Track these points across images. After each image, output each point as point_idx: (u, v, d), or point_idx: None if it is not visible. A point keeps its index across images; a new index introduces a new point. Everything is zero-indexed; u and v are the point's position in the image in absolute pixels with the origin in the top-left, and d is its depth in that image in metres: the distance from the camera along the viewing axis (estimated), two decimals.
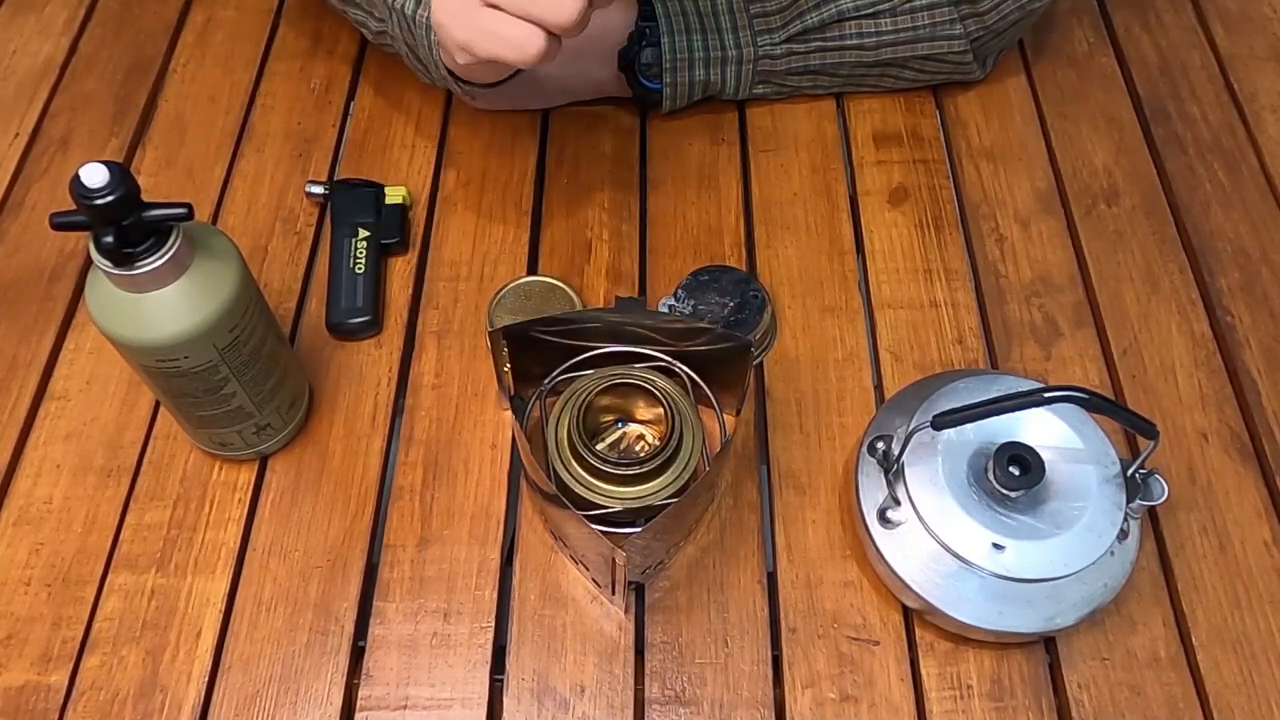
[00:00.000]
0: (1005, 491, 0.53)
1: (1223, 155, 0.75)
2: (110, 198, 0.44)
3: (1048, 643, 0.57)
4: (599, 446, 0.58)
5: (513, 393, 0.61)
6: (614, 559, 0.50)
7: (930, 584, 0.53)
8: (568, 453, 0.58)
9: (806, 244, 0.70)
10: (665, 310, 0.65)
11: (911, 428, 0.54)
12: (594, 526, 0.49)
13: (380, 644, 0.56)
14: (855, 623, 0.57)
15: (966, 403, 0.53)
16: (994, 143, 0.76)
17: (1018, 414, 0.54)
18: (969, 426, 0.54)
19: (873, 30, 0.71)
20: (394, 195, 0.70)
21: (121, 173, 0.44)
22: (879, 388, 0.65)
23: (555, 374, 0.60)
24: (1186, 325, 0.67)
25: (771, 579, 0.58)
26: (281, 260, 0.69)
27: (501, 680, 0.55)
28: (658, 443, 0.60)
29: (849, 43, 0.71)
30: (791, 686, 0.55)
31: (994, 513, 0.53)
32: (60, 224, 0.46)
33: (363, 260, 0.67)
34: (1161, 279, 0.69)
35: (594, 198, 0.72)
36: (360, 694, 0.55)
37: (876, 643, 0.56)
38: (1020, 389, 0.56)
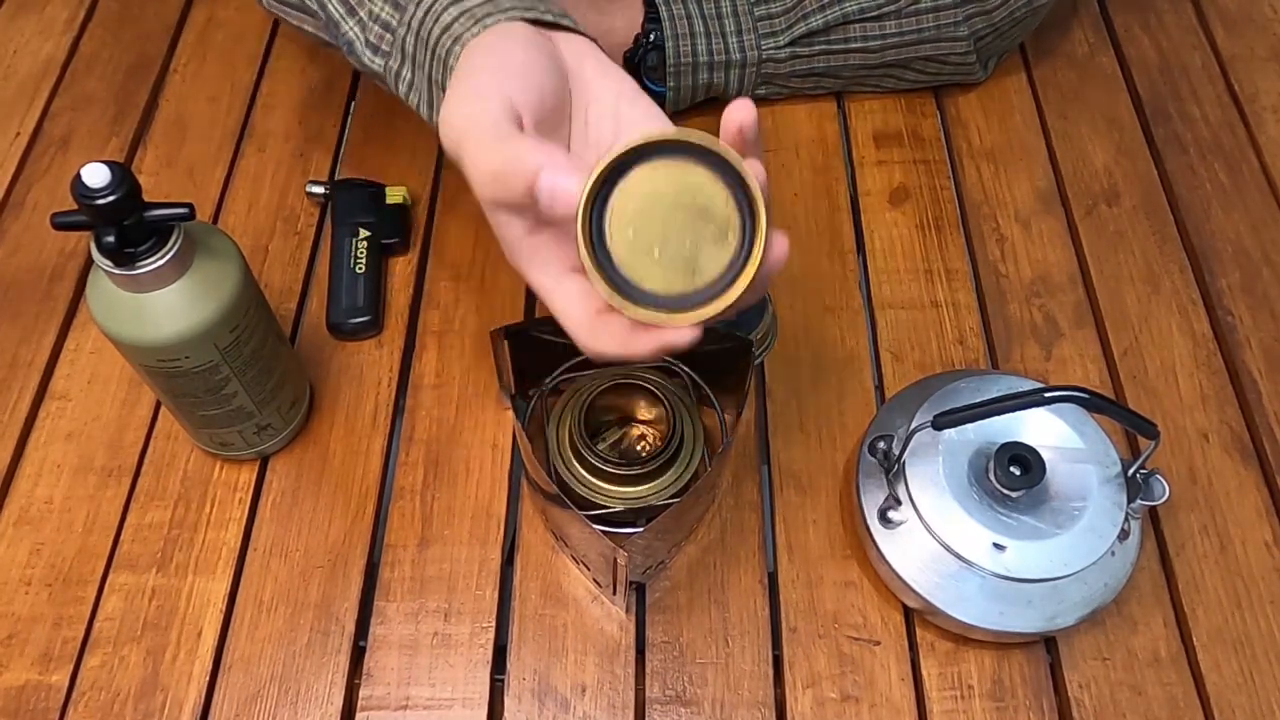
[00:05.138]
0: (1006, 491, 0.53)
1: (1223, 155, 0.75)
2: (111, 197, 0.44)
3: (1048, 643, 0.57)
4: (600, 446, 0.58)
5: (514, 392, 0.61)
6: (615, 559, 0.50)
7: (931, 584, 0.53)
8: (569, 453, 0.58)
9: (807, 244, 0.70)
10: None
11: (912, 428, 0.54)
12: (595, 526, 0.49)
13: (381, 644, 0.56)
14: (856, 622, 0.57)
15: (967, 403, 0.53)
16: (994, 143, 0.76)
17: (1018, 414, 0.54)
18: (969, 426, 0.54)
19: (877, 33, 0.71)
20: (394, 195, 0.70)
21: (123, 172, 0.44)
22: (879, 388, 0.65)
23: (556, 374, 0.60)
24: (1187, 325, 0.67)
25: (772, 579, 0.58)
26: (282, 260, 0.69)
27: (502, 680, 0.55)
28: (659, 443, 0.60)
29: (853, 45, 0.71)
30: (792, 686, 0.55)
31: (994, 513, 0.53)
32: (61, 224, 0.46)
33: (363, 260, 0.67)
34: (1162, 279, 0.69)
35: None
36: (361, 694, 0.55)
37: (877, 643, 0.56)
38: (1021, 389, 0.56)
